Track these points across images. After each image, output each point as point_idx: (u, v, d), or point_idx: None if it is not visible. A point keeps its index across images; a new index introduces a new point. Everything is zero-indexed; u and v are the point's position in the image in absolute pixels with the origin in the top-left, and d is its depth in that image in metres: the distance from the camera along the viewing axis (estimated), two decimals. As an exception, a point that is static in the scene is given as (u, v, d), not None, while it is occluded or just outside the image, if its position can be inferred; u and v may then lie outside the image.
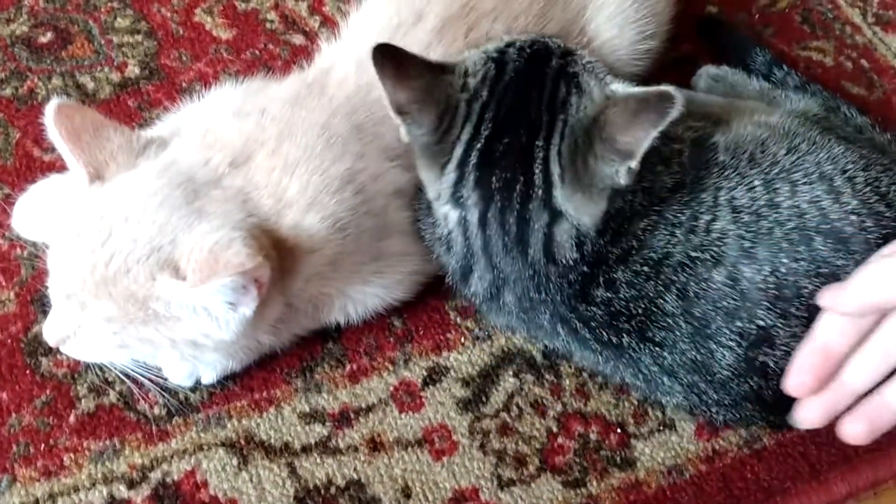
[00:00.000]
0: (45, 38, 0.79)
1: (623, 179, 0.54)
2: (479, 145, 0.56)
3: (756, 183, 0.58)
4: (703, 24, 0.89)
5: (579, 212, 0.55)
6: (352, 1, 0.85)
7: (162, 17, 0.82)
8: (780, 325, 0.55)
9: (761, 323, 0.55)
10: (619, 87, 0.56)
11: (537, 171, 0.55)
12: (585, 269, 0.57)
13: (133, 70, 0.78)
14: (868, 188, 0.59)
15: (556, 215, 0.56)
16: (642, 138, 0.51)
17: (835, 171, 0.59)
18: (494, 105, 0.57)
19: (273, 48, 0.81)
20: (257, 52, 0.81)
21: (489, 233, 0.57)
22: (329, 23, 0.84)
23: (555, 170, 0.55)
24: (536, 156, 0.55)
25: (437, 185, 0.58)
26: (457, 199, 0.57)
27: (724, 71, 0.82)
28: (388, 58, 0.55)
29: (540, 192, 0.55)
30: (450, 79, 0.57)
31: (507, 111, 0.57)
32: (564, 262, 0.57)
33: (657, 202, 0.58)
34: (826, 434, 0.61)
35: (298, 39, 0.82)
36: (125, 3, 0.82)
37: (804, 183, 0.59)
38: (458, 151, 0.57)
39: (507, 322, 0.64)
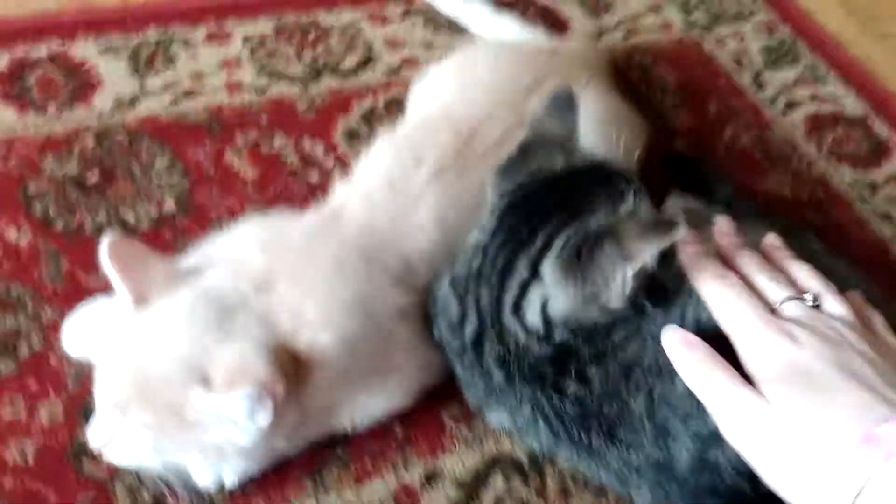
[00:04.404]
0: (94, 178, 0.89)
1: (615, 298, 0.62)
2: (519, 192, 0.67)
3: None
4: (670, 161, 0.99)
5: (555, 287, 0.63)
6: (362, 144, 0.97)
7: (196, 159, 0.93)
8: None
9: (711, 426, 0.61)
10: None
11: (542, 235, 0.64)
12: (549, 353, 0.64)
13: (170, 206, 0.88)
14: None
15: (534, 275, 0.64)
16: (647, 247, 0.59)
17: None
18: (554, 179, 0.67)
19: (293, 185, 0.92)
20: (279, 188, 0.92)
21: (486, 258, 0.66)
22: (342, 162, 0.95)
23: (557, 245, 0.63)
24: (549, 226, 0.64)
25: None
26: (481, 227, 0.69)
27: (689, 202, 0.92)
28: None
29: (533, 250, 0.64)
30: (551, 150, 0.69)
31: (558, 184, 0.67)
32: (530, 325, 0.64)
33: (633, 318, 0.65)
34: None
35: (315, 177, 0.93)
36: (163, 147, 0.93)
37: None
38: (508, 184, 0.68)
39: (499, 419, 0.71)
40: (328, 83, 1.05)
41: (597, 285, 0.62)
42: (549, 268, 0.64)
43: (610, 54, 1.09)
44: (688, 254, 0.65)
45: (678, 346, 0.60)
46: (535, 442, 0.71)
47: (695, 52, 1.19)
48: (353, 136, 0.99)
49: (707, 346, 0.59)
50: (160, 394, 0.62)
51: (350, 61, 1.08)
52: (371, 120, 1.01)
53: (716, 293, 0.62)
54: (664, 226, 0.60)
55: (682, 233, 0.59)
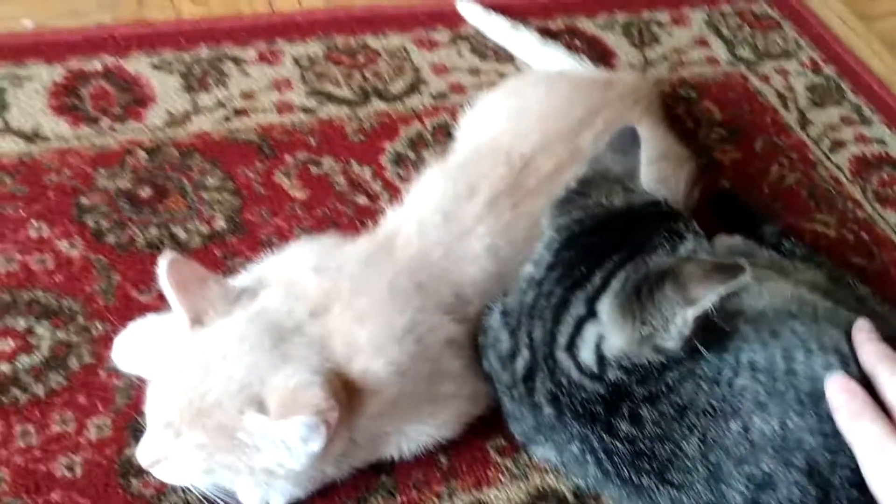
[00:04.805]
0: (145, 193, 0.91)
1: (673, 340, 0.62)
2: (577, 228, 0.67)
3: (776, 353, 0.64)
4: (717, 198, 0.99)
5: (611, 326, 0.63)
6: (409, 169, 0.98)
7: (246, 178, 0.93)
8: (780, 471, 0.62)
9: (765, 468, 0.62)
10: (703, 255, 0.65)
11: (600, 273, 0.64)
12: (602, 391, 0.64)
13: (220, 223, 0.89)
14: None
15: (591, 313, 0.64)
16: (710, 291, 0.59)
17: (847, 343, 0.66)
18: (612, 216, 0.68)
19: (340, 207, 0.93)
20: (327, 210, 0.92)
21: (541, 292, 0.67)
22: (389, 186, 0.96)
23: (615, 284, 0.63)
24: (606, 264, 0.64)
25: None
26: (535, 260, 0.69)
27: (736, 240, 0.92)
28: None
29: (591, 288, 0.64)
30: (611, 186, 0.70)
31: (616, 221, 0.67)
32: (583, 362, 0.64)
33: (687, 360, 0.65)
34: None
35: (362, 200, 0.94)
36: (215, 164, 0.94)
37: (819, 351, 0.65)
38: (566, 219, 0.68)
39: (546, 454, 0.71)
40: (376, 106, 1.05)
41: (655, 326, 0.62)
42: (606, 306, 0.64)
43: (659, 87, 1.09)
44: (867, 340, 0.64)
45: (838, 391, 0.60)
46: (582, 479, 0.71)
47: (740, 86, 1.19)
48: (400, 161, 0.99)
49: (867, 395, 0.59)
50: (214, 415, 0.62)
51: (398, 85, 1.09)
52: (418, 145, 1.02)
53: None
54: (728, 270, 0.60)
55: (747, 277, 0.59)
